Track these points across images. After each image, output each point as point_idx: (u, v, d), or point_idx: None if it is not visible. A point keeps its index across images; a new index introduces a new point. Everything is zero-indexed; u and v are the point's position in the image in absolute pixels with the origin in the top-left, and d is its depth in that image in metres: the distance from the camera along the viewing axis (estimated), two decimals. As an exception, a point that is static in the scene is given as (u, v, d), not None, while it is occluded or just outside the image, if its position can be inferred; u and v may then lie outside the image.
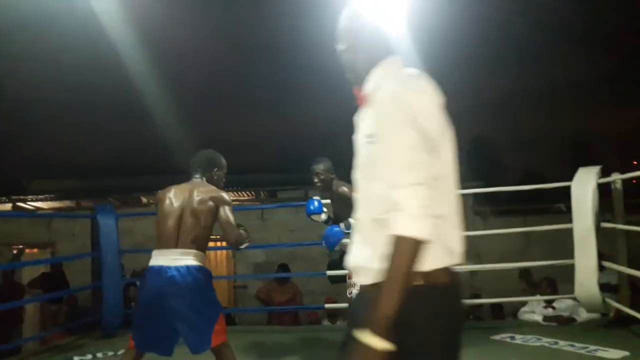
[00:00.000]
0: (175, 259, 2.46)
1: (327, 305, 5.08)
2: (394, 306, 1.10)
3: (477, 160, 6.98)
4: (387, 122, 1.20)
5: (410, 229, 1.12)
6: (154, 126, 7.64)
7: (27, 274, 7.61)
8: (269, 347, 4.16)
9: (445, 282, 1.23)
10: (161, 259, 2.49)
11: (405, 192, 1.14)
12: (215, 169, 2.85)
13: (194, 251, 2.51)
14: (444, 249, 1.24)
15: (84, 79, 5.80)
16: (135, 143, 7.98)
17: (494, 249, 6.94)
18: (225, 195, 2.65)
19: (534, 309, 4.48)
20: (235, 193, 8.85)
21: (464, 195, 7.87)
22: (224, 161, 2.93)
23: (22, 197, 8.86)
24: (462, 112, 6.36)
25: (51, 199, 8.94)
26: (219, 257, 8.56)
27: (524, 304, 4.75)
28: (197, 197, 2.60)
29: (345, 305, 5.51)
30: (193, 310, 2.43)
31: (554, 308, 4.37)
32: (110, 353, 4.02)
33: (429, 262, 1.18)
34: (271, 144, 7.80)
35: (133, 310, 2.79)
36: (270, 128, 7.60)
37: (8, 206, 8.77)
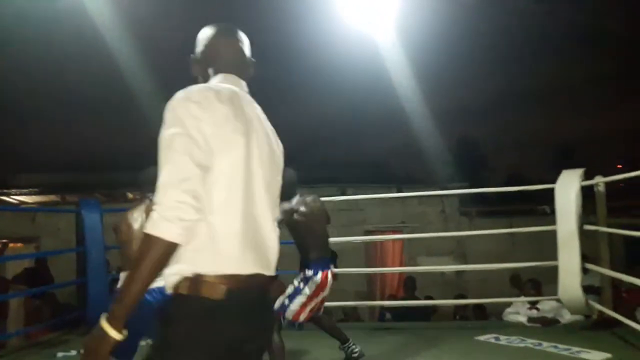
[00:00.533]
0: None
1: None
2: (129, 299, 1.14)
3: (463, 161, 7.03)
4: (163, 125, 1.23)
5: (156, 229, 1.13)
6: (142, 121, 7.57)
7: (11, 269, 7.50)
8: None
9: (219, 298, 1.17)
10: None
11: (160, 192, 1.15)
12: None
13: None
14: (219, 256, 1.20)
15: (71, 72, 5.72)
16: (122, 138, 7.91)
17: (479, 250, 7.01)
18: None
19: (519, 310, 4.52)
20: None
21: (450, 195, 7.97)
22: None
23: (5, 190, 8.74)
24: (449, 112, 6.41)
25: (36, 193, 8.83)
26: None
27: (508, 304, 4.80)
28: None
29: (337, 303, 5.53)
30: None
31: (538, 309, 4.42)
32: (94, 350, 3.99)
33: (198, 267, 1.18)
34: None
35: None
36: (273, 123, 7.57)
37: (-9, 200, 8.65)
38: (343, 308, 6.16)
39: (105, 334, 1.14)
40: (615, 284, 4.27)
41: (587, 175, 4.06)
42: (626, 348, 3.57)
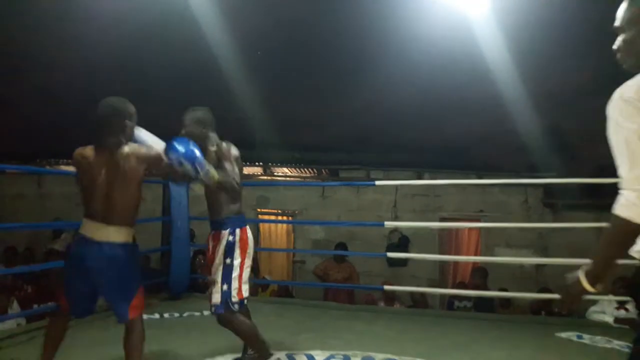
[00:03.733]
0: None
1: (385, 287, 5.07)
2: (599, 265, 1.46)
3: (550, 150, 6.66)
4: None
5: (626, 212, 1.35)
6: (220, 99, 7.80)
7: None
8: (325, 322, 4.23)
9: None
10: None
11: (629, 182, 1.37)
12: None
13: (120, 228, 2.47)
14: None
15: (168, 52, 5.99)
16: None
17: (562, 244, 6.66)
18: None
19: (605, 309, 4.27)
20: (297, 170, 8.96)
21: (534, 185, 7.55)
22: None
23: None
24: (537, 98, 6.06)
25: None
26: (279, 232, 8.74)
27: (592, 302, 4.54)
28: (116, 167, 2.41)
29: (403, 288, 5.51)
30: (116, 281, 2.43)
31: (627, 310, 4.15)
32: (176, 314, 4.24)
33: None
34: (336, 123, 7.76)
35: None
36: (336, 107, 7.55)
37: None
38: (412, 294, 6.11)
39: (580, 284, 1.48)
40: None
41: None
42: None
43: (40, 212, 8.65)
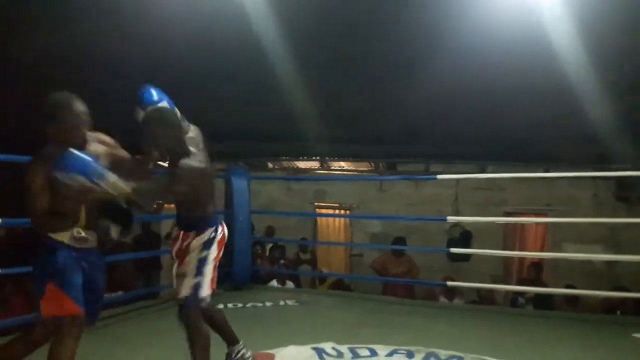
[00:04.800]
0: None
1: (449, 283, 4.97)
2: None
3: (623, 140, 6.27)
4: None
5: None
6: (278, 94, 7.89)
7: (165, 227, 8.35)
8: (385, 316, 4.20)
9: None
10: None
11: None
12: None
13: None
14: None
15: (209, 42, 6.08)
16: (261, 110, 8.31)
17: (637, 239, 6.28)
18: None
19: (687, 309, 3.99)
20: (354, 164, 8.93)
21: (605, 178, 7.15)
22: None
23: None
24: (607, 86, 5.71)
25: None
26: (337, 225, 8.76)
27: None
28: None
29: (466, 284, 5.38)
30: None
31: None
32: (240, 304, 4.33)
33: None
34: (393, 114, 7.65)
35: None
36: (393, 98, 7.44)
37: (151, 164, 9.68)
38: (477, 290, 5.96)
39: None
40: None
41: None
42: None
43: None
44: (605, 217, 6.53)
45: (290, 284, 5.68)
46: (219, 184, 5.65)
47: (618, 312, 5.12)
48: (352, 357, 3.06)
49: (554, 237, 7.29)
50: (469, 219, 6.16)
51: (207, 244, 2.49)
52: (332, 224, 8.73)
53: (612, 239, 6.82)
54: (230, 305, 4.28)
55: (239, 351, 2.72)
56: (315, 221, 8.63)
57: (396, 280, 5.77)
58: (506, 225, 7.48)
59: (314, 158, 8.88)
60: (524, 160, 6.94)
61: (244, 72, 7.35)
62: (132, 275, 6.53)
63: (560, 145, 6.65)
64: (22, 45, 5.55)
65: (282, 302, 4.45)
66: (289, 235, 7.69)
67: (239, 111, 8.63)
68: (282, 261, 6.39)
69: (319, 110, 7.88)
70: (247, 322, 3.81)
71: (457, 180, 7.31)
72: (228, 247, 5.04)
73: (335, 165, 9.04)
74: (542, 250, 7.30)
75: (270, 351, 3.05)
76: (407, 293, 5.83)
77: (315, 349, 3.15)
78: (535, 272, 5.95)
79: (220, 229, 2.57)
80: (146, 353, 2.98)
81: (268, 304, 4.39)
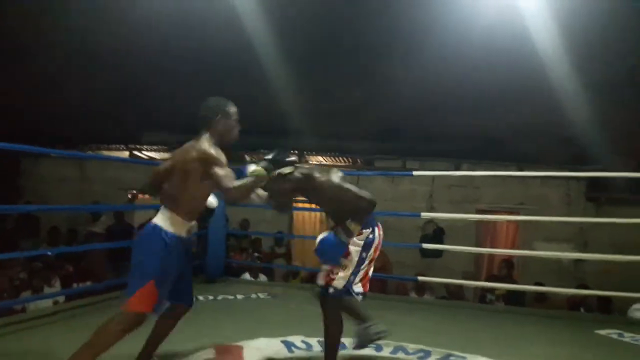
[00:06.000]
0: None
1: (420, 278, 5.02)
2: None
3: (593, 143, 6.41)
4: None
5: None
6: (252, 85, 7.84)
7: (138, 218, 8.26)
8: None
9: None
10: None
11: None
12: (216, 116, 2.48)
13: (164, 210, 2.40)
14: None
15: (197, 36, 6.01)
16: (239, 102, 8.25)
17: (603, 240, 6.44)
18: (205, 153, 2.32)
19: (648, 307, 4.11)
20: (332, 159, 8.93)
21: (577, 178, 7.28)
22: (225, 106, 2.53)
23: (138, 146, 9.58)
24: (580, 88, 5.82)
25: (164, 150, 9.60)
26: (313, 220, 8.76)
27: (633, 300, 4.38)
28: (180, 156, 2.42)
29: (437, 280, 5.44)
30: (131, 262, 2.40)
31: (672, 309, 3.98)
32: (211, 297, 4.31)
33: None
34: (372, 111, 7.68)
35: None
36: (373, 95, 7.47)
37: (125, 154, 9.54)
38: (446, 286, 6.03)
39: None
40: None
41: None
42: None
43: (81, 195, 8.93)
44: (576, 217, 6.67)
45: (263, 278, 5.67)
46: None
47: (582, 309, 5.25)
48: (322, 350, 3.06)
49: (525, 235, 7.42)
50: (442, 215, 6.23)
51: (365, 245, 2.63)
52: (309, 218, 8.74)
53: (581, 238, 6.98)
54: (201, 297, 4.25)
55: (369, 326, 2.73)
56: (292, 215, 8.61)
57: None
58: (479, 222, 7.58)
59: (291, 152, 8.86)
60: (499, 159, 7.05)
61: (220, 63, 7.30)
62: (104, 266, 6.43)
63: (535, 145, 6.77)
64: None
65: (253, 295, 4.44)
66: (265, 229, 7.68)
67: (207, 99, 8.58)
68: (255, 254, 6.37)
69: (298, 105, 7.87)
70: (218, 314, 3.80)
71: (433, 177, 7.38)
72: (201, 238, 5.06)
73: (313, 160, 9.04)
74: (512, 248, 7.42)
75: (239, 343, 3.04)
76: (380, 288, 5.87)
77: (284, 342, 3.15)
78: (506, 269, 6.07)
79: (376, 231, 2.70)
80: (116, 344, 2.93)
81: (240, 296, 4.37)
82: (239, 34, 6.00)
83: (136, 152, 9.62)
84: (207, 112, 2.49)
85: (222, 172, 2.29)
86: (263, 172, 2.39)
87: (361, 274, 2.66)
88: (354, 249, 2.61)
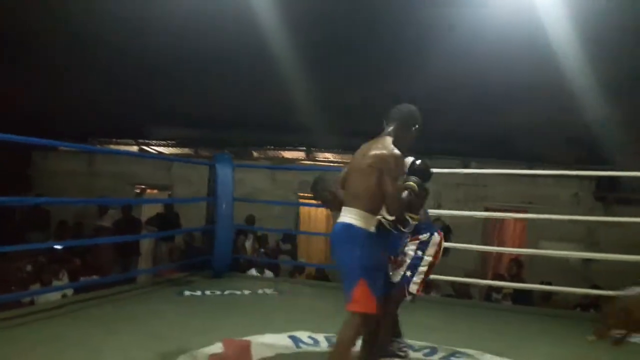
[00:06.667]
0: (342, 216, 2.39)
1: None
2: None
3: (605, 143, 6.36)
4: None
5: None
6: (268, 84, 7.83)
7: (146, 212, 8.26)
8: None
9: None
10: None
11: None
12: (412, 126, 2.48)
13: (354, 209, 2.33)
14: None
15: (208, 31, 6.02)
16: (252, 98, 8.27)
17: (613, 239, 6.39)
18: (390, 159, 2.29)
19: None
20: (340, 156, 8.93)
21: (586, 177, 7.22)
22: (419, 119, 2.53)
23: (146, 141, 9.62)
24: (593, 89, 5.78)
25: (172, 145, 9.62)
26: (318, 215, 8.76)
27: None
28: (366, 154, 2.36)
29: (442, 277, 5.41)
30: (339, 263, 2.38)
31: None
32: (218, 292, 4.32)
33: None
34: (381, 109, 7.60)
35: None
36: (384, 94, 7.43)
37: (134, 148, 9.57)
38: (452, 284, 6.00)
39: None
40: None
41: None
42: None
43: (89, 189, 8.98)
44: (584, 216, 6.62)
45: (269, 273, 5.68)
46: (202, 172, 5.61)
47: (591, 310, 5.22)
48: (329, 346, 3.06)
49: (532, 234, 7.38)
50: (448, 212, 6.21)
51: (422, 245, 2.69)
52: (315, 214, 8.74)
53: (590, 238, 6.93)
54: (208, 292, 4.26)
55: (400, 342, 2.86)
56: (298, 211, 8.62)
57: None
58: (486, 221, 7.55)
59: (299, 148, 8.87)
60: (508, 158, 7.01)
61: (237, 61, 7.32)
62: (111, 260, 6.47)
63: (544, 144, 6.73)
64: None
65: (260, 291, 4.44)
66: (271, 225, 7.68)
67: (227, 99, 8.61)
68: (262, 250, 6.39)
69: (308, 102, 7.87)
70: (225, 310, 3.81)
71: (440, 175, 7.35)
72: (209, 234, 5.07)
73: (321, 156, 9.04)
74: (520, 247, 7.39)
75: (247, 338, 3.05)
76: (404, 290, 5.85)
77: (291, 337, 3.15)
78: (516, 267, 5.99)
79: (436, 233, 2.74)
80: (119, 338, 2.96)
81: (246, 292, 4.38)
82: (251, 30, 6.02)
83: (145, 147, 9.66)
84: (407, 120, 2.48)
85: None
86: (416, 187, 2.39)
87: (419, 272, 2.66)
88: (409, 250, 2.68)
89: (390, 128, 2.44)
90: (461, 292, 5.97)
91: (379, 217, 2.38)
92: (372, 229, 2.33)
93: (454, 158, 7.47)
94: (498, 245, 7.52)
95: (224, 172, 4.87)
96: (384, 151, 2.30)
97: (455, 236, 7.21)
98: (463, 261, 7.25)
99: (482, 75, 5.94)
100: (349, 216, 2.33)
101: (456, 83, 6.30)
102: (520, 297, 5.50)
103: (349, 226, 2.31)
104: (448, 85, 6.42)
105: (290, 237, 7.46)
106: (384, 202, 2.32)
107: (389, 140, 2.37)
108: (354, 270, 2.27)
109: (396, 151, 2.30)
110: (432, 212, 5.85)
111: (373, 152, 2.33)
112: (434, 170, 2.69)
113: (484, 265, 7.80)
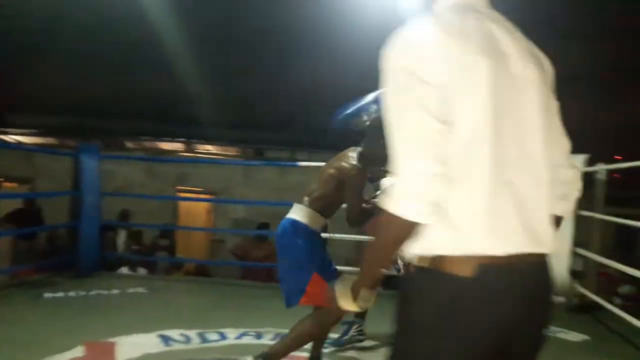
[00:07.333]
0: (289, 212, 2.41)
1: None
2: (366, 278, 1.16)
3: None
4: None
5: (396, 207, 0.98)
6: (146, 71, 7.46)
7: (3, 209, 7.50)
8: (241, 300, 4.21)
9: (467, 274, 0.98)
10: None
11: (397, 163, 1.00)
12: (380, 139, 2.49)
13: (301, 206, 2.39)
14: (458, 234, 0.99)
15: (78, 11, 5.58)
16: (124, 86, 7.82)
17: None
18: (352, 171, 2.34)
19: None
20: (221, 147, 8.79)
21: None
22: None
23: (3, 129, 8.68)
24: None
25: (34, 134, 8.79)
26: (199, 211, 8.57)
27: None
28: (331, 164, 2.45)
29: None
30: (285, 260, 2.39)
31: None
32: (83, 293, 4.04)
33: (438, 245, 1.01)
34: (265, 102, 7.66)
35: None
36: (267, 86, 7.45)
37: (-11, 137, 8.61)
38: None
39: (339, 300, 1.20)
40: (606, 271, 4.30)
41: (590, 163, 4.03)
42: (604, 331, 3.63)
43: None
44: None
45: (142, 271, 5.44)
46: (67, 163, 5.19)
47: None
48: (200, 342, 3.02)
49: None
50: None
51: None
52: (194, 209, 8.52)
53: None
54: (72, 293, 3.97)
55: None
56: (176, 206, 8.35)
57: (254, 265, 5.81)
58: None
59: (178, 139, 8.58)
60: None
61: (113, 45, 6.84)
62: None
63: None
64: None
65: (131, 290, 4.23)
66: (147, 220, 7.35)
67: (100, 85, 8.04)
68: (134, 247, 6.08)
69: (191, 92, 7.63)
70: (90, 311, 3.58)
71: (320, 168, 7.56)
72: (73, 231, 4.71)
73: (201, 148, 8.83)
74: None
75: (112, 339, 2.90)
76: (266, 277, 5.90)
77: (161, 336, 3.05)
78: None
79: None
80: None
81: (115, 291, 4.15)
82: (128, 12, 5.67)
83: (2, 136, 8.72)
84: (374, 132, 2.31)
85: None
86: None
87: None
88: None
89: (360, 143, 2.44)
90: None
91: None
92: (317, 228, 2.39)
93: (335, 151, 7.70)
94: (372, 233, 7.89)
95: (89, 164, 4.55)
96: (345, 164, 2.38)
97: (336, 226, 7.47)
98: (344, 250, 7.52)
99: (363, 72, 6.18)
100: (294, 212, 2.39)
101: (337, 78, 6.49)
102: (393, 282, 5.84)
103: (293, 221, 2.36)
104: (330, 80, 6.60)
105: (168, 233, 7.21)
106: (336, 209, 2.45)
107: (355, 152, 2.41)
108: (304, 265, 2.31)
109: (358, 164, 2.36)
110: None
111: (337, 163, 2.42)
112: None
113: (361, 252, 8.17)
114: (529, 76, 1.04)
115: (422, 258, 1.03)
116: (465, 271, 0.98)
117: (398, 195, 0.98)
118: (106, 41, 6.76)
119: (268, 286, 5.00)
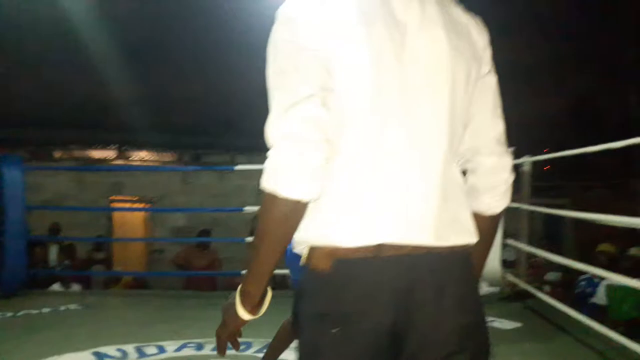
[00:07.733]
0: None
1: (243, 272, 5.06)
2: (252, 277, 0.92)
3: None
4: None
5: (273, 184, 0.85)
6: (76, 77, 7.14)
7: None
8: (181, 311, 4.10)
9: (325, 269, 0.87)
10: None
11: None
12: None
13: None
14: (323, 222, 0.88)
15: (1, 16, 5.27)
16: (54, 94, 7.46)
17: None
18: None
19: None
20: (157, 154, 8.54)
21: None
22: None
23: None
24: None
25: None
26: (135, 220, 8.27)
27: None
28: None
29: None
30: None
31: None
32: (9, 314, 3.80)
33: (309, 235, 0.90)
34: (202, 105, 7.53)
35: None
36: (203, 88, 7.31)
37: None
38: (273, 278, 6.18)
39: (235, 311, 0.93)
40: (534, 260, 4.51)
41: (515, 155, 4.21)
42: (535, 318, 3.82)
43: None
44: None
45: (76, 287, 5.18)
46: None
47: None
48: (138, 357, 2.92)
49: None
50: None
51: None
52: (130, 219, 8.23)
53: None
54: (-4, 315, 3.73)
55: None
56: (111, 217, 8.03)
57: (195, 274, 5.69)
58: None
59: (110, 147, 8.27)
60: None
61: (39, 47, 6.48)
62: None
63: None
64: None
65: (63, 308, 4.03)
66: (80, 233, 7.01)
67: (24, 93, 7.60)
68: (66, 262, 5.79)
69: (123, 98, 7.36)
70: (18, 333, 3.37)
71: (260, 171, 7.51)
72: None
73: (135, 155, 8.54)
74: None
75: (41, 362, 2.74)
76: (210, 286, 5.79)
77: (96, 353, 2.92)
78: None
79: None
80: None
81: (45, 310, 3.93)
82: (58, 18, 5.42)
83: None
84: None
85: None
86: None
87: None
88: None
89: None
90: (280, 284, 6.16)
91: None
92: None
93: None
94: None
95: (12, 176, 4.29)
96: None
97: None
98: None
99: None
100: None
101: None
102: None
103: None
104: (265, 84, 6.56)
105: (103, 245, 6.93)
106: None
107: None
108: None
109: None
110: (249, 209, 6.00)
111: None
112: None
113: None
114: (435, 49, 0.90)
115: (305, 254, 0.92)
116: (324, 265, 0.87)
117: (275, 167, 0.84)
118: (32, 45, 6.41)
119: (207, 295, 4.90)
